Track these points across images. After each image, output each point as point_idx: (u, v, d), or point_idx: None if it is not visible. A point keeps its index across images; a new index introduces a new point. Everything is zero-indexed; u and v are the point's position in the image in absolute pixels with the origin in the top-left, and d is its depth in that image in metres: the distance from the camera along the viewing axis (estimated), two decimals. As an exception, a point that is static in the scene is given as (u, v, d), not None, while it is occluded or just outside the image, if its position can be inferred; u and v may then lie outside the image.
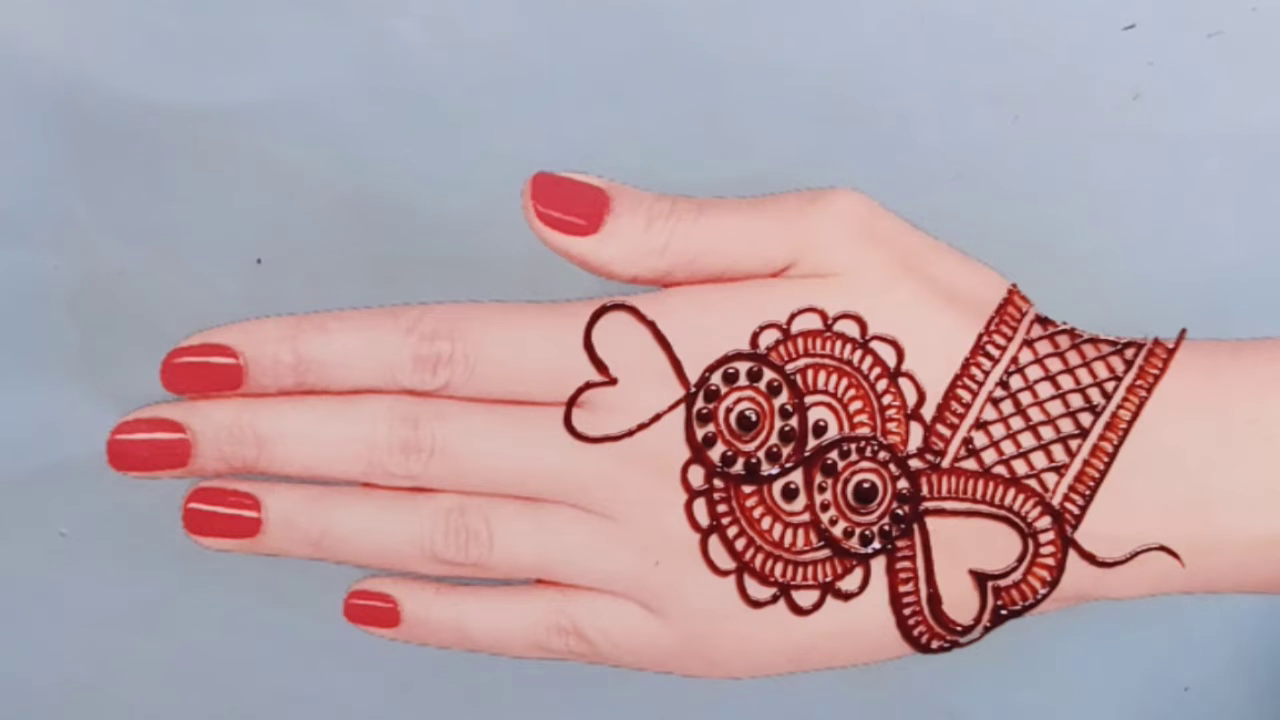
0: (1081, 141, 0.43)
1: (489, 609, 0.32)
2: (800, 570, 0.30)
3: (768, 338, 0.30)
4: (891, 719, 0.50)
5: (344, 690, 0.49)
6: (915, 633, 0.30)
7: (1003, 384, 0.30)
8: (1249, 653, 0.48)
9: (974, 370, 0.30)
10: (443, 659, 0.34)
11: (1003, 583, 0.30)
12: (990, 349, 0.30)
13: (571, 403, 0.30)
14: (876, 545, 0.30)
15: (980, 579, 0.30)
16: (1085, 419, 0.30)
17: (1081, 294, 0.35)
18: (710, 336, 0.30)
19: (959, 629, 0.30)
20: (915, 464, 0.30)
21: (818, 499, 0.30)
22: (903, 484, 0.30)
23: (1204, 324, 0.31)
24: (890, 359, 0.30)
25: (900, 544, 0.30)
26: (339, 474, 0.31)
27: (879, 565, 0.30)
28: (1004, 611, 0.30)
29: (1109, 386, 0.30)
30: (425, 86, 0.42)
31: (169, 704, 0.49)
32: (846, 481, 0.30)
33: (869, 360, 0.30)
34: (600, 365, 0.30)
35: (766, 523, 0.30)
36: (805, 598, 0.30)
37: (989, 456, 0.30)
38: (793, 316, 0.30)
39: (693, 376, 0.30)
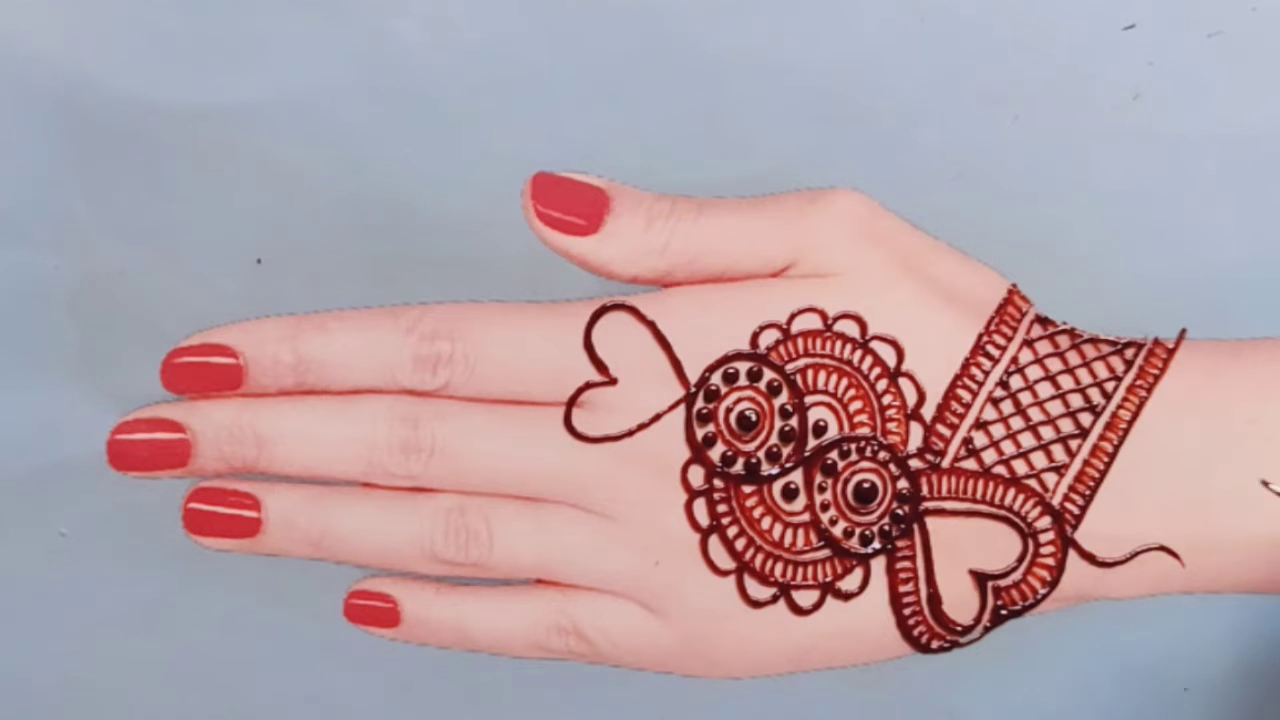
0: (1081, 141, 0.43)
1: (489, 609, 0.32)
2: (800, 570, 0.30)
3: (768, 338, 0.30)
4: (891, 719, 0.50)
5: (344, 690, 0.49)
6: (915, 633, 0.30)
7: (1003, 384, 0.30)
8: (1249, 653, 0.48)
9: (974, 370, 0.30)
10: (443, 659, 0.34)
11: (1003, 583, 0.30)
12: (990, 349, 0.30)
13: (571, 403, 0.30)
14: (876, 545, 0.30)
15: (980, 579, 0.30)
16: (1085, 419, 0.30)
17: (1081, 294, 0.35)
18: (710, 336, 0.30)
19: (959, 629, 0.30)
20: (915, 464, 0.30)
21: (818, 499, 0.30)
22: (903, 484, 0.30)
23: (1204, 324, 0.31)
24: (890, 359, 0.30)
25: (900, 544, 0.30)
26: (339, 474, 0.31)
27: (879, 565, 0.30)
28: (1004, 611, 0.30)
29: (1109, 386, 0.30)
30: (425, 86, 0.42)
31: (169, 704, 0.49)
32: (846, 481, 0.30)
33: (869, 360, 0.30)
34: (600, 365, 0.30)
35: (766, 523, 0.30)
36: (805, 598, 0.30)
37: (989, 456, 0.30)
38: (793, 316, 0.30)
39: (693, 376, 0.30)
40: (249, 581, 0.44)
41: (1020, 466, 0.30)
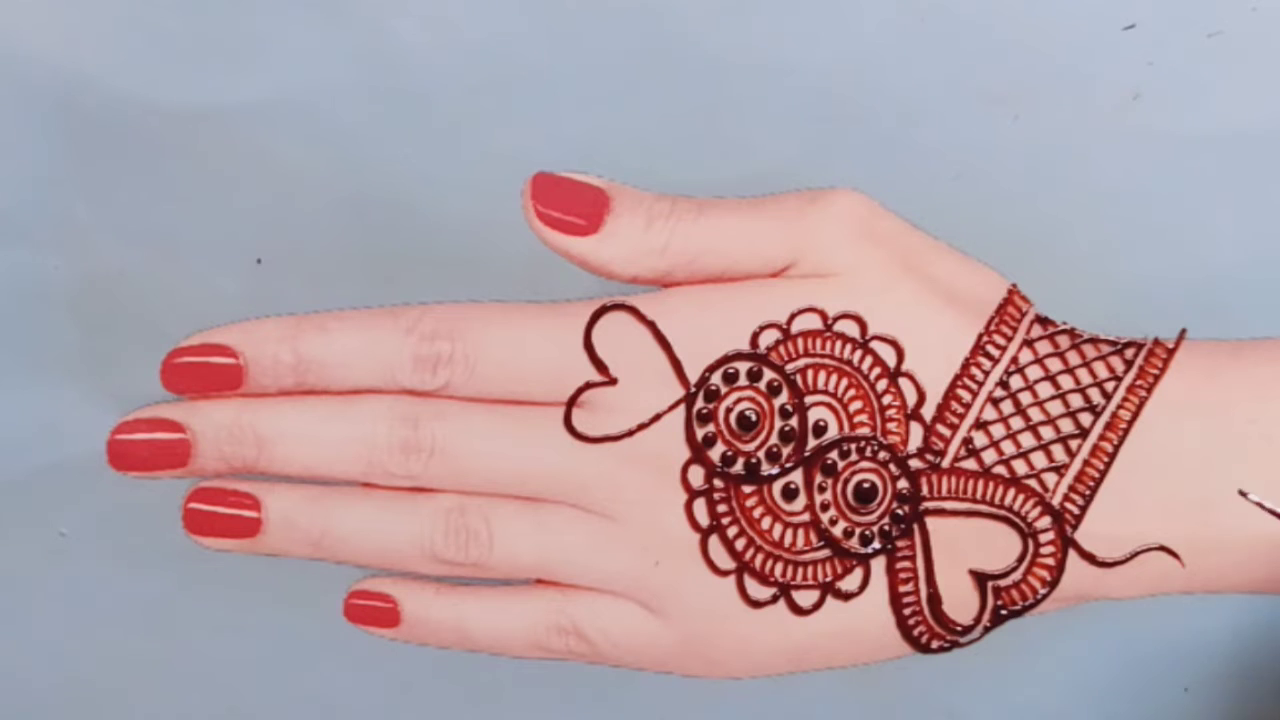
0: (1081, 141, 0.43)
1: (489, 609, 0.32)
2: (800, 570, 0.30)
3: (768, 338, 0.30)
4: (891, 719, 0.50)
5: (344, 690, 0.49)
6: (915, 633, 0.30)
7: (1003, 384, 0.30)
8: (1249, 653, 0.48)
9: (974, 370, 0.30)
10: (443, 659, 0.34)
11: (1003, 583, 0.30)
12: (990, 349, 0.30)
13: (571, 403, 0.30)
14: (876, 545, 0.30)
15: (980, 579, 0.30)
16: (1085, 419, 0.30)
17: (1081, 294, 0.35)
18: (710, 336, 0.30)
19: (959, 629, 0.30)
20: (915, 464, 0.30)
21: (818, 499, 0.30)
22: (903, 484, 0.30)
23: (1204, 324, 0.31)
24: (890, 359, 0.30)
25: (900, 544, 0.30)
26: (339, 474, 0.31)
27: (879, 565, 0.30)
28: (1004, 611, 0.30)
29: (1109, 386, 0.30)
30: (425, 86, 0.42)
31: (169, 704, 0.49)
32: (846, 481, 0.30)
33: (869, 360, 0.30)
34: (600, 365, 0.30)
35: (766, 523, 0.30)
36: (805, 598, 0.31)
37: (989, 456, 0.30)
38: (793, 316, 0.30)
39: (693, 376, 0.30)
40: (249, 581, 0.44)
41: (1020, 466, 0.30)
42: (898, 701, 0.49)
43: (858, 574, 0.30)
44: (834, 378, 0.30)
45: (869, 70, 0.42)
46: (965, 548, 0.30)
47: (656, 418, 0.30)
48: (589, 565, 0.31)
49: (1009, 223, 0.43)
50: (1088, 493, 0.30)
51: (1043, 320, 0.31)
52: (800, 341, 0.30)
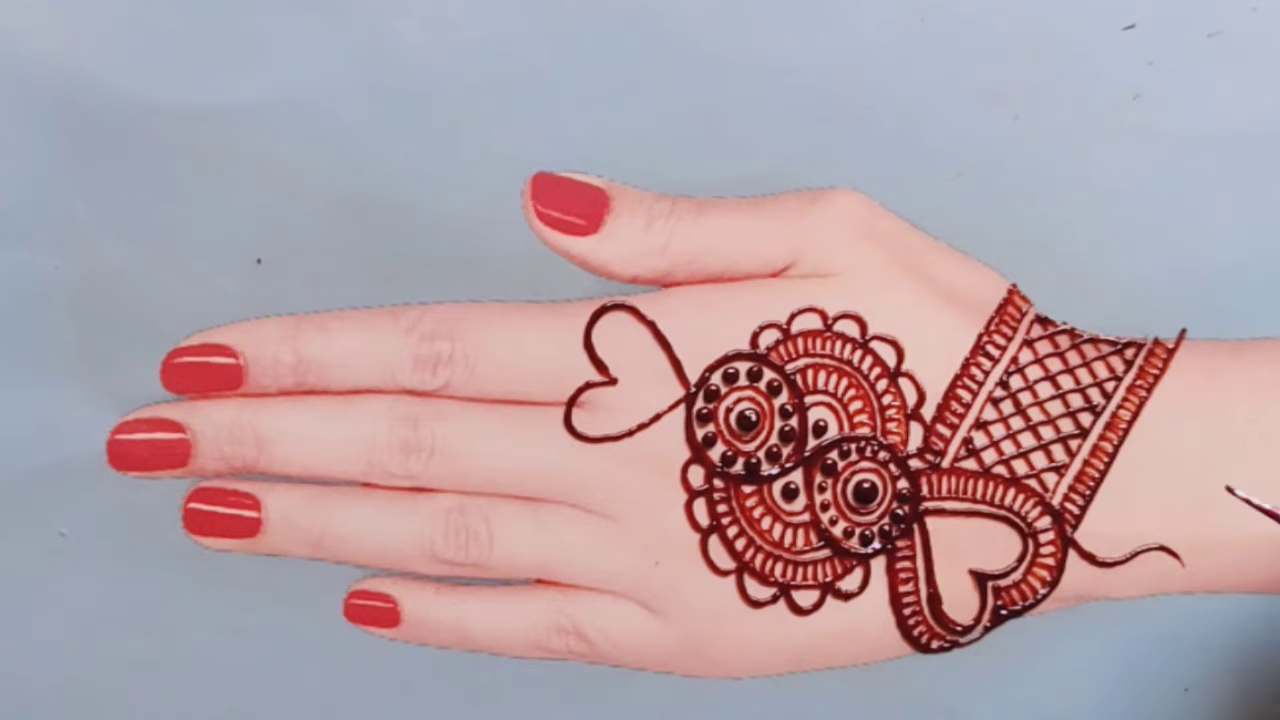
0: (1081, 141, 0.43)
1: (489, 609, 0.32)
2: (800, 570, 0.30)
3: (768, 338, 0.30)
4: (891, 719, 0.50)
5: (344, 690, 0.49)
6: (915, 633, 0.30)
7: (1003, 384, 0.30)
8: (1249, 653, 0.48)
9: (974, 370, 0.30)
10: (443, 659, 0.34)
11: (1003, 583, 0.30)
12: (990, 349, 0.30)
13: (571, 403, 0.30)
14: (876, 545, 0.30)
15: (980, 579, 0.30)
16: (1085, 419, 0.30)
17: (1081, 294, 0.35)
18: (710, 336, 0.30)
19: (959, 629, 0.30)
20: (915, 464, 0.30)
21: (818, 499, 0.30)
22: (903, 484, 0.30)
23: (1204, 324, 0.31)
24: (890, 359, 0.30)
25: (900, 544, 0.30)
26: (339, 474, 0.31)
27: (879, 565, 0.30)
28: (1004, 611, 0.30)
29: (1109, 386, 0.30)
30: (425, 86, 0.42)
31: (169, 704, 0.49)
32: (846, 481, 0.30)
33: (869, 360, 0.30)
34: (600, 365, 0.30)
35: (766, 523, 0.30)
36: (805, 598, 0.30)
37: (989, 456, 0.30)
38: (793, 316, 0.30)
39: (693, 376, 0.30)
40: (249, 581, 0.44)
41: (1020, 466, 0.30)
42: (898, 701, 0.49)
43: (858, 574, 0.30)
44: (834, 378, 0.30)
45: (869, 70, 0.42)
46: (965, 548, 0.30)
47: (656, 418, 0.30)
48: (589, 565, 0.31)
49: (1009, 223, 0.43)
50: (1088, 493, 0.30)
51: (1043, 320, 0.31)
52: (800, 341, 0.30)
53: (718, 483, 0.30)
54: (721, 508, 0.30)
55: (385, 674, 0.49)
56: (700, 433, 0.30)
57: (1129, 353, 0.30)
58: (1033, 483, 0.30)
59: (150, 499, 0.34)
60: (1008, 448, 0.30)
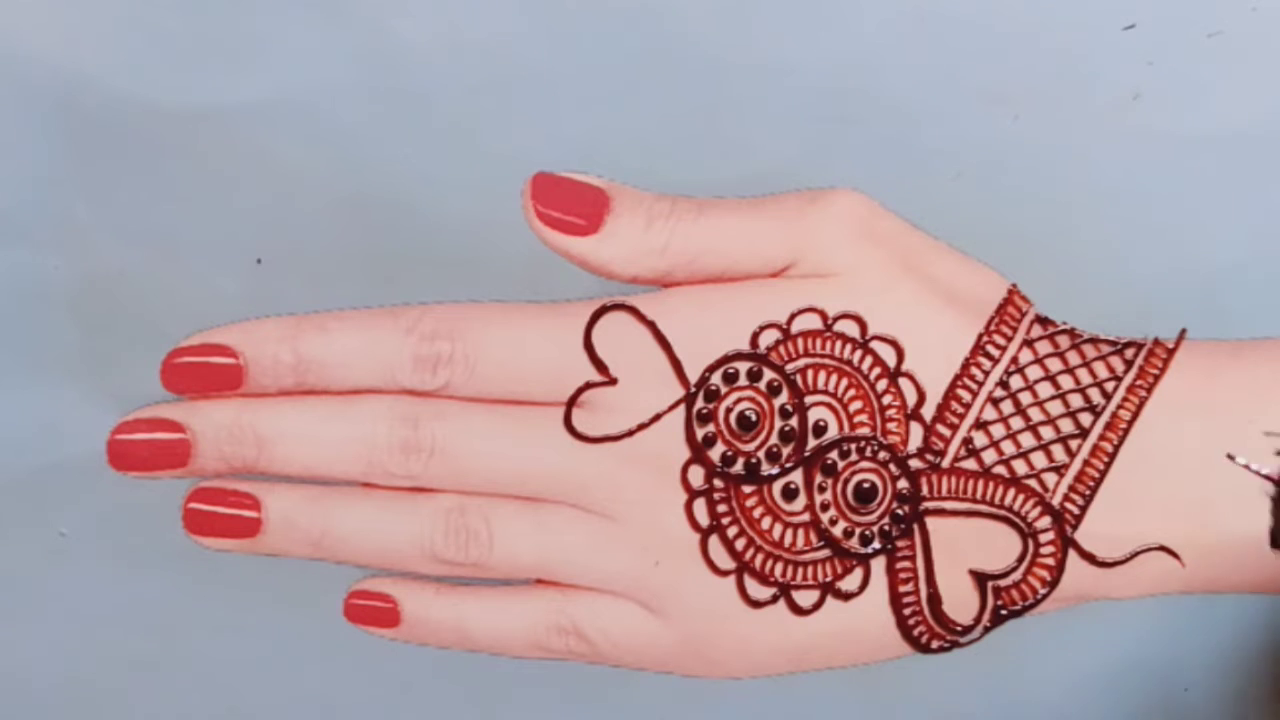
0: (1081, 141, 0.43)
1: (489, 609, 0.32)
2: (800, 570, 0.30)
3: (768, 338, 0.30)
4: (891, 719, 0.50)
5: (344, 690, 0.49)
6: (915, 633, 0.30)
7: (1003, 384, 0.30)
8: (1249, 653, 0.48)
9: (974, 370, 0.30)
10: (443, 659, 0.34)
11: (1003, 583, 0.30)
12: (990, 349, 0.30)
13: (571, 403, 0.30)
14: (876, 545, 0.30)
15: (980, 579, 0.30)
16: (1085, 419, 0.30)
17: (1081, 294, 0.35)
18: (710, 336, 0.30)
19: (959, 629, 0.30)
20: (915, 464, 0.30)
21: (818, 499, 0.30)
22: (903, 484, 0.30)
23: (1204, 324, 0.31)
24: (890, 359, 0.30)
25: (900, 544, 0.30)
26: (339, 474, 0.31)
27: (879, 565, 0.30)
28: (1004, 611, 0.30)
29: (1109, 386, 0.30)
30: (425, 86, 0.42)
31: (169, 704, 0.49)
32: (846, 481, 0.30)
33: (869, 360, 0.30)
34: (600, 365, 0.30)
35: (766, 523, 0.30)
36: (805, 598, 0.30)
37: (989, 456, 0.30)
38: (793, 316, 0.30)
39: (693, 376, 0.30)
40: (249, 581, 0.44)
41: (1020, 466, 0.30)
42: (898, 701, 0.49)
43: (858, 574, 0.30)
44: (834, 378, 0.30)
45: (869, 70, 0.42)
46: (965, 548, 0.30)
47: (656, 418, 0.30)
48: (589, 565, 0.31)
49: (1009, 223, 0.43)
50: (1088, 493, 0.30)
51: (1043, 320, 0.31)
52: (800, 341, 0.30)
53: (718, 483, 0.30)
54: (721, 508, 0.30)
55: (385, 674, 0.49)
56: (700, 433, 0.30)
57: (1129, 353, 0.30)
58: (1033, 483, 0.30)
59: (150, 499, 0.34)
60: (1008, 448, 0.30)
